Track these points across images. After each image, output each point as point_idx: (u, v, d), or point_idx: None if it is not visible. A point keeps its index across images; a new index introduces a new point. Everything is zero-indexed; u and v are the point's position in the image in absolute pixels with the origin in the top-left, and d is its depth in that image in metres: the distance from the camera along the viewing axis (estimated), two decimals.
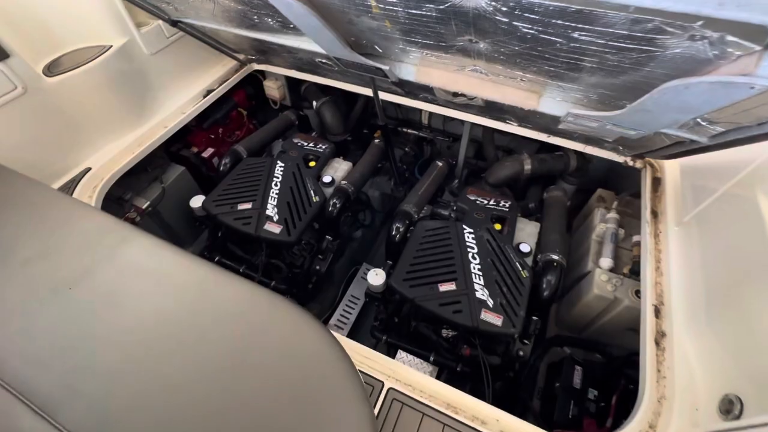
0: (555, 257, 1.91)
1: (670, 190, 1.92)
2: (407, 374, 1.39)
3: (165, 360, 0.96)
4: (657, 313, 1.55)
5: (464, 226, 2.05)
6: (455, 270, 1.88)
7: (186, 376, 0.93)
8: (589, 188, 2.70)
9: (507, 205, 2.17)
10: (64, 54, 1.96)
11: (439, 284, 1.84)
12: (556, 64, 1.07)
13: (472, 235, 2.01)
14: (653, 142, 1.55)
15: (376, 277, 1.98)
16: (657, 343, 1.48)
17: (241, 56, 2.71)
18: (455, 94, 1.72)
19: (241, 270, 2.24)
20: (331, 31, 1.28)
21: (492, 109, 2.03)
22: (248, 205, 2.18)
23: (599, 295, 1.92)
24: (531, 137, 2.26)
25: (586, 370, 1.95)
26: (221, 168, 2.43)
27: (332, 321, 2.62)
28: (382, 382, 1.33)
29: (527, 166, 2.35)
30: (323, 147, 2.53)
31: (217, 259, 2.30)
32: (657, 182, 2.01)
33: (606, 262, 2.03)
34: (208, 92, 2.59)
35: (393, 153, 2.55)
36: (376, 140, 2.71)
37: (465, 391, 1.99)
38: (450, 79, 1.49)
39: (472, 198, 2.20)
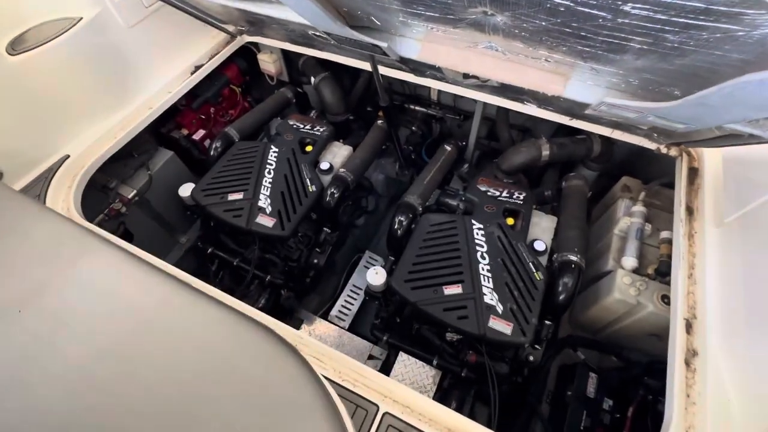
0: (573, 258, 1.72)
1: (709, 184, 1.68)
2: (405, 395, 1.26)
3: (122, 402, 0.83)
4: (688, 328, 1.38)
5: (473, 222, 1.87)
6: (462, 271, 1.71)
7: (143, 416, 0.81)
8: (611, 173, 2.47)
9: (521, 197, 1.97)
10: (29, 29, 1.76)
11: (444, 286, 1.68)
12: (593, 44, 0.85)
13: (482, 232, 1.83)
14: (699, 133, 1.32)
15: (376, 276, 1.83)
16: (687, 364, 1.31)
17: (231, 28, 2.46)
18: (466, 76, 1.49)
19: (235, 263, 2.12)
20: (315, 3, 1.06)
21: (508, 89, 1.78)
22: (239, 195, 2.02)
23: (620, 299, 1.75)
24: (550, 119, 2.02)
25: (602, 378, 1.82)
26: (212, 153, 2.26)
27: (333, 312, 2.51)
28: (377, 406, 1.21)
29: (545, 152, 2.12)
30: (321, 130, 2.33)
31: (210, 250, 2.18)
32: (694, 173, 1.77)
33: (629, 262, 1.84)
34: (197, 68, 2.38)
35: (397, 135, 2.34)
36: (379, 122, 2.48)
37: (469, 396, 1.90)
38: (460, 58, 1.27)
39: (483, 189, 2.00)
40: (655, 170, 2.33)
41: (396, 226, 1.93)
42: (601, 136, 2.19)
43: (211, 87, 2.55)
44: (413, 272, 1.74)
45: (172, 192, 2.26)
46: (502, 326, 1.58)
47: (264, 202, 1.99)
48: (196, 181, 2.12)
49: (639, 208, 2.00)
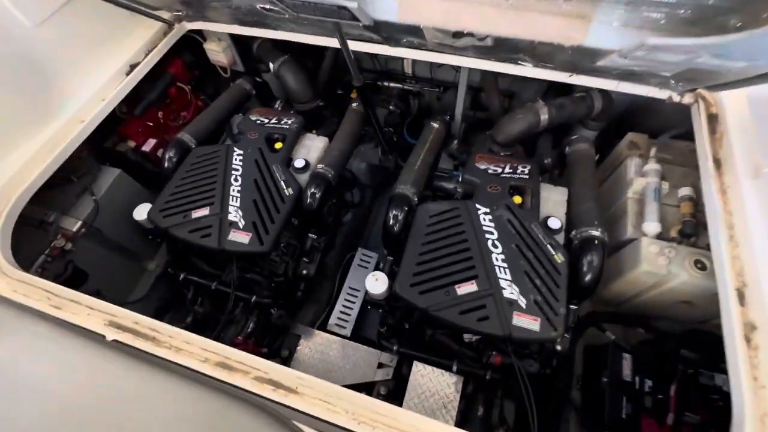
0: (595, 233, 1.53)
1: (734, 131, 1.49)
2: (427, 427, 1.05)
3: None
4: (741, 298, 1.20)
5: (477, 206, 1.64)
6: (474, 265, 1.50)
7: None
8: (608, 131, 2.27)
9: (526, 170, 1.75)
10: None
11: (456, 286, 1.47)
12: None
13: (489, 217, 1.61)
14: (737, 72, 1.11)
15: (376, 282, 1.60)
16: (747, 340, 1.15)
17: (166, 14, 2.10)
18: (457, 35, 1.22)
19: (213, 287, 1.85)
20: None
21: (501, 48, 1.53)
22: (205, 211, 1.73)
23: (649, 271, 1.58)
24: (547, 78, 1.79)
25: (636, 357, 1.67)
26: (166, 165, 1.94)
27: (332, 320, 2.28)
28: None
29: (544, 117, 1.90)
30: (289, 122, 2.03)
31: (182, 277, 1.90)
32: (714, 120, 1.58)
33: (652, 227, 1.67)
34: (132, 67, 2.02)
35: (376, 117, 2.07)
36: (354, 104, 2.20)
37: (497, 398, 1.73)
38: (449, 14, 1.01)
39: (483, 167, 1.77)
40: (656, 123, 2.15)
41: (391, 223, 1.69)
42: (602, 91, 1.99)
43: (155, 88, 2.20)
44: (419, 273, 1.52)
45: (127, 215, 1.95)
46: (528, 323, 1.39)
47: (235, 215, 1.71)
48: (154, 199, 1.82)
49: (653, 166, 1.81)
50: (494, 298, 1.43)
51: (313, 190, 1.78)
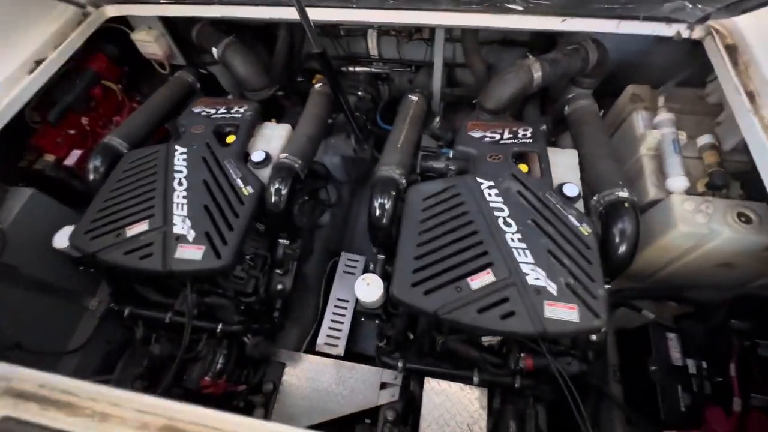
0: (623, 194, 1.28)
1: (763, 57, 1.29)
2: None
3: None
4: None
5: (478, 179, 1.36)
6: (486, 250, 1.22)
7: None
8: (598, 92, 2.06)
9: (528, 133, 1.49)
10: None
11: (468, 279, 1.18)
12: None
13: (495, 191, 1.33)
14: None
15: (368, 288, 1.30)
16: None
17: None
18: None
19: (167, 319, 1.49)
20: None
21: None
22: (143, 226, 1.37)
23: (688, 232, 1.34)
24: (537, 28, 1.55)
25: (683, 336, 1.42)
26: (91, 176, 1.57)
27: (320, 340, 1.95)
28: None
29: (537, 74, 1.65)
30: (241, 110, 1.70)
31: (128, 311, 1.52)
32: (733, 51, 1.37)
33: (679, 182, 1.44)
34: (37, 64, 1.64)
35: (345, 98, 1.77)
36: (318, 85, 1.89)
37: (530, 409, 1.44)
38: None
39: (478, 135, 1.50)
40: (653, 72, 1.95)
41: (377, 213, 1.38)
42: (595, 41, 1.77)
43: (73, 88, 1.82)
44: (420, 270, 1.22)
45: (50, 244, 1.56)
46: (564, 312, 1.11)
47: (182, 226, 1.36)
48: None
49: (666, 115, 1.60)
50: (517, 288, 1.15)
51: (277, 185, 1.46)
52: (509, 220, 1.27)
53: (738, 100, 1.26)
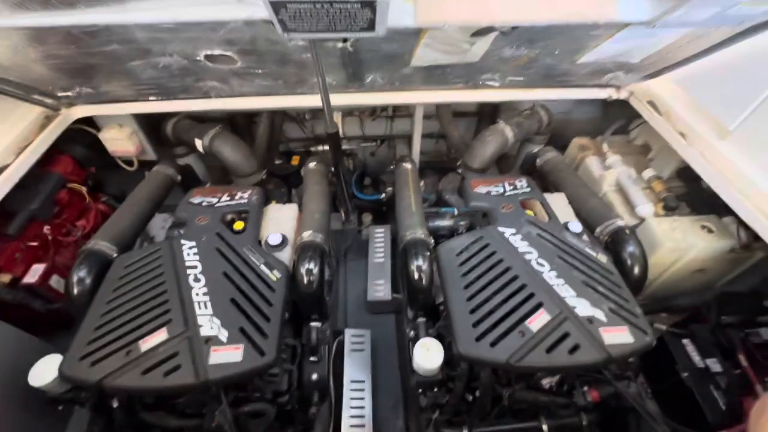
0: (621, 223, 1.49)
1: (680, 108, 1.69)
2: None
3: None
4: None
5: (500, 229, 1.48)
6: (533, 291, 1.29)
7: None
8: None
9: (524, 183, 1.69)
10: None
11: (526, 322, 1.22)
12: None
13: (519, 236, 1.45)
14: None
15: (428, 353, 1.26)
16: None
17: (48, 99, 1.61)
18: (479, 32, 1.08)
19: None
20: None
21: (472, 71, 1.51)
22: (161, 335, 1.19)
23: (672, 247, 1.58)
24: (507, 99, 1.85)
25: (695, 339, 1.60)
26: (75, 290, 1.34)
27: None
28: None
29: (509, 134, 1.93)
30: (246, 195, 1.65)
31: None
32: (654, 106, 1.78)
33: (647, 208, 1.72)
34: None
35: (344, 173, 1.83)
36: (312, 164, 1.93)
37: None
38: (476, 5, 0.89)
39: (484, 191, 1.65)
40: (576, 127, 2.38)
41: (417, 276, 1.40)
42: (542, 106, 2.15)
43: (36, 194, 1.61)
44: (479, 322, 1.23)
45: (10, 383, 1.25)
46: (620, 336, 1.20)
47: (210, 326, 1.21)
48: (56, 349, 1.20)
49: (615, 157, 1.95)
50: (572, 321, 1.22)
51: (308, 265, 1.40)
52: (541, 260, 1.37)
53: (674, 138, 1.61)
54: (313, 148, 2.76)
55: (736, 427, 1.35)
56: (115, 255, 1.45)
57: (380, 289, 2.18)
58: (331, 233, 2.50)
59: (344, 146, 2.81)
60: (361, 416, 1.84)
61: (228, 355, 1.16)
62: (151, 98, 1.63)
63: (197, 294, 1.29)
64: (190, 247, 1.42)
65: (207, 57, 1.23)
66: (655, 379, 1.64)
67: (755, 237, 1.57)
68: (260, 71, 1.36)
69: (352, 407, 1.86)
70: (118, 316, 1.24)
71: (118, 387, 1.11)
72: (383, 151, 2.99)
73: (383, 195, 2.53)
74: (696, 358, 1.53)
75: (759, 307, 1.62)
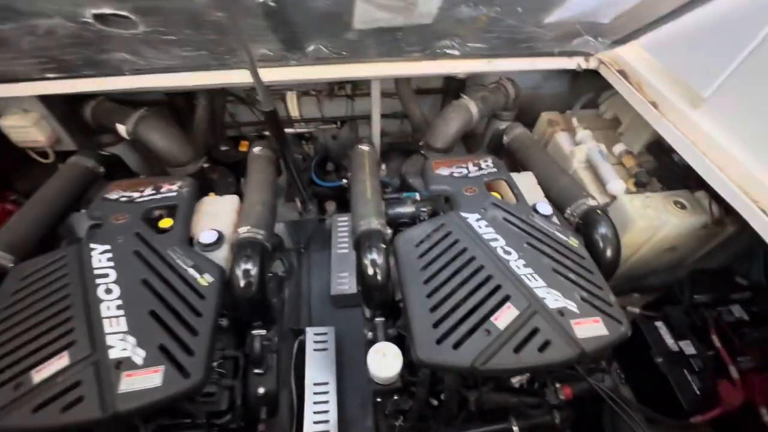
0: (593, 203, 1.37)
1: (652, 77, 1.57)
2: None
3: None
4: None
5: (463, 214, 1.33)
6: (499, 283, 1.15)
7: None
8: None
9: (490, 163, 1.54)
10: None
11: (492, 318, 1.09)
12: None
13: (484, 221, 1.31)
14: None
15: (384, 359, 1.12)
16: None
17: None
18: None
19: None
20: None
21: (427, 37, 1.33)
22: (61, 362, 0.98)
23: (645, 225, 1.49)
24: (467, 71, 1.68)
25: (667, 321, 1.53)
26: None
27: None
28: None
29: (474, 110, 1.77)
30: (175, 187, 1.43)
31: None
32: (624, 75, 1.66)
33: (618, 185, 1.62)
34: None
35: (293, 157, 1.63)
36: (257, 149, 1.72)
37: None
38: None
39: (446, 173, 1.49)
40: (545, 102, 2.25)
41: (371, 271, 1.24)
42: (509, 79, 2.00)
43: None
44: (440, 322, 1.09)
45: None
46: (593, 328, 1.09)
47: (123, 347, 1.01)
48: None
49: (585, 132, 1.84)
50: (542, 315, 1.10)
51: (245, 265, 1.21)
52: (507, 248, 1.24)
53: (646, 109, 1.50)
54: (266, 133, 2.53)
55: (710, 412, 1.29)
56: (10, 265, 1.21)
57: (344, 281, 2.03)
58: (289, 225, 2.34)
59: (302, 129, 2.60)
60: (326, 421, 1.70)
61: (143, 380, 0.97)
62: (49, 75, 1.35)
63: (108, 308, 1.08)
64: (102, 252, 1.20)
65: (97, 18, 0.99)
66: (629, 365, 1.57)
67: (727, 211, 1.50)
68: (173, 37, 1.13)
69: (315, 412, 1.72)
70: (7, 340, 1.03)
71: (5, 429, 0.91)
72: (346, 134, 2.78)
73: (344, 181, 2.35)
74: (669, 341, 1.46)
75: (731, 283, 1.57)
